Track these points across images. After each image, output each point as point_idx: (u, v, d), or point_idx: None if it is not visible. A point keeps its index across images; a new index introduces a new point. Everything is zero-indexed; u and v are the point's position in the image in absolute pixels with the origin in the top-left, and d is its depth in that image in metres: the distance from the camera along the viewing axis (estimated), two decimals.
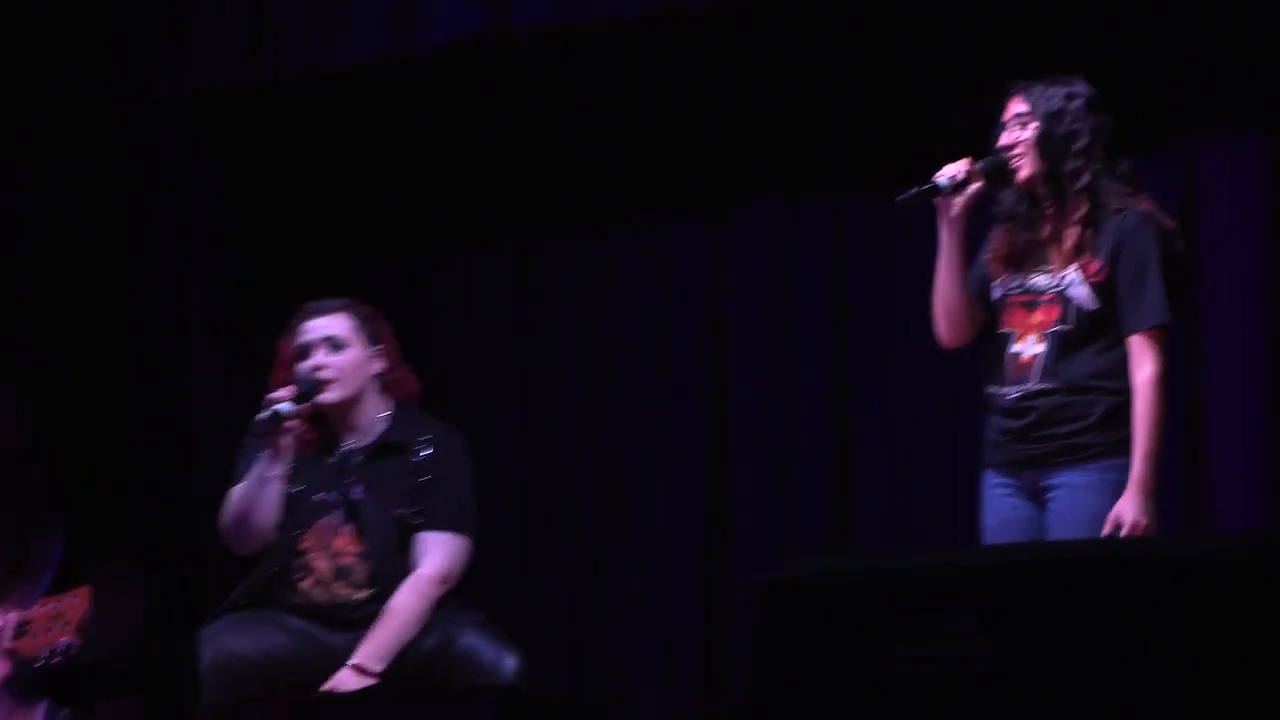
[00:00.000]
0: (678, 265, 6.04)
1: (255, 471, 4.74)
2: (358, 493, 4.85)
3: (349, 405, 4.86)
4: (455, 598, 4.84)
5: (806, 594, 3.17)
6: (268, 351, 4.89)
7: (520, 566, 6.00)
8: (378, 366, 4.89)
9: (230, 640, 4.69)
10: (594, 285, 6.15)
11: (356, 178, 6.20)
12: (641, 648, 5.87)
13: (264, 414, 4.68)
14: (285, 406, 4.69)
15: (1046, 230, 4.57)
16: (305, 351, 4.84)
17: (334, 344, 4.83)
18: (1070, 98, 4.58)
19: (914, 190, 4.52)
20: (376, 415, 4.89)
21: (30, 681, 3.59)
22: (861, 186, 5.73)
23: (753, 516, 5.84)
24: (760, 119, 5.86)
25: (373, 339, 4.89)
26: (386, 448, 4.88)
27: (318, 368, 4.80)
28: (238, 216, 6.16)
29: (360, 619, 4.78)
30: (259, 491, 4.74)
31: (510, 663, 4.67)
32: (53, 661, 3.52)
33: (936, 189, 4.56)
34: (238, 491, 4.79)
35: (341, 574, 4.83)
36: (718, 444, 5.92)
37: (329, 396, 4.81)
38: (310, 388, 4.78)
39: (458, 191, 6.20)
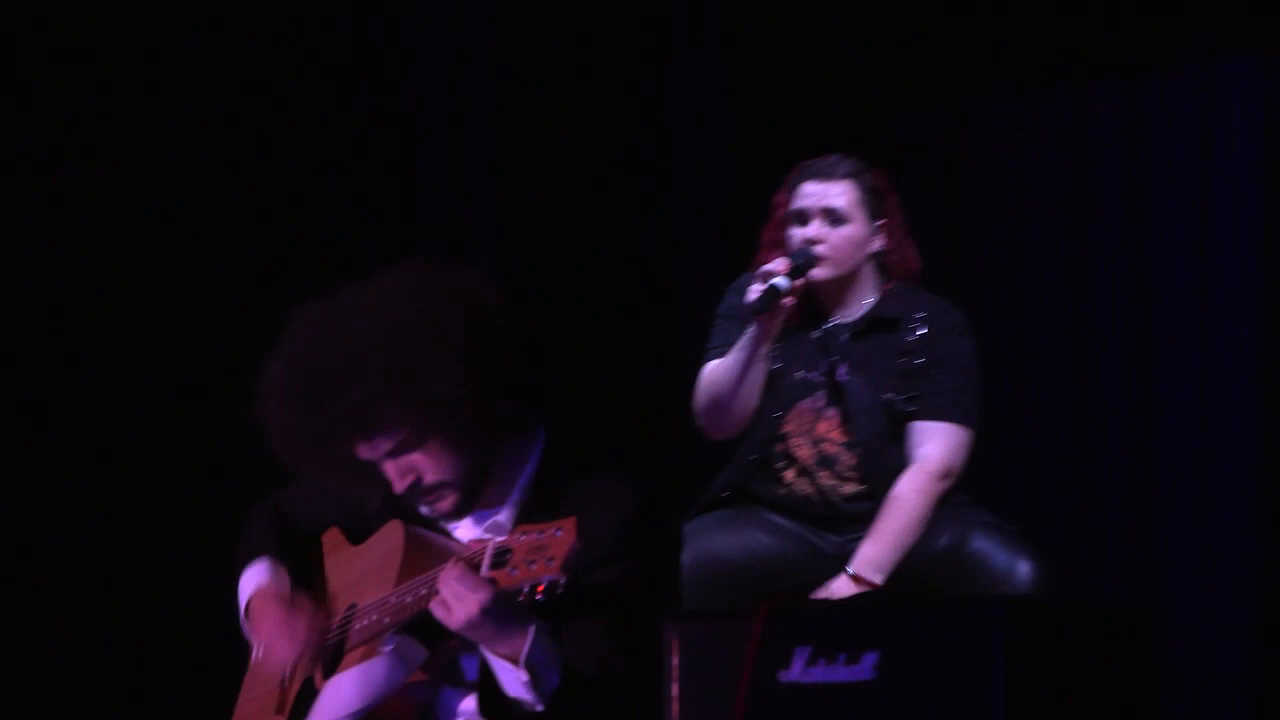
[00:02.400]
0: (1096, 130, 5.48)
1: (739, 350, 4.38)
2: (843, 373, 4.47)
3: (840, 282, 4.47)
4: (959, 493, 4.41)
5: None
6: (752, 228, 4.54)
7: (1038, 463, 5.54)
8: (877, 245, 4.48)
9: (713, 541, 4.38)
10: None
11: (863, 23, 5.75)
12: (1176, 557, 5.38)
13: (758, 290, 4.31)
14: (781, 282, 4.32)
15: None
16: (801, 216, 4.47)
17: (833, 217, 4.44)
18: None
19: None
20: (868, 291, 4.50)
21: (513, 610, 3.31)
22: None
23: None
24: None
25: (875, 214, 4.48)
26: (876, 324, 4.47)
27: (811, 240, 4.44)
28: (720, 71, 5.80)
29: (851, 516, 4.40)
30: (743, 373, 4.38)
31: (1025, 569, 4.26)
32: (535, 598, 3.22)
33: None
34: (716, 371, 4.44)
35: (825, 463, 4.46)
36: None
37: (818, 273, 4.41)
38: (805, 261, 4.38)
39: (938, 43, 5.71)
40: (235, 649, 3.78)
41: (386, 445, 3.46)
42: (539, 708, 3.37)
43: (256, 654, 3.74)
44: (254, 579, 3.72)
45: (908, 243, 4.52)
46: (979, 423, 4.42)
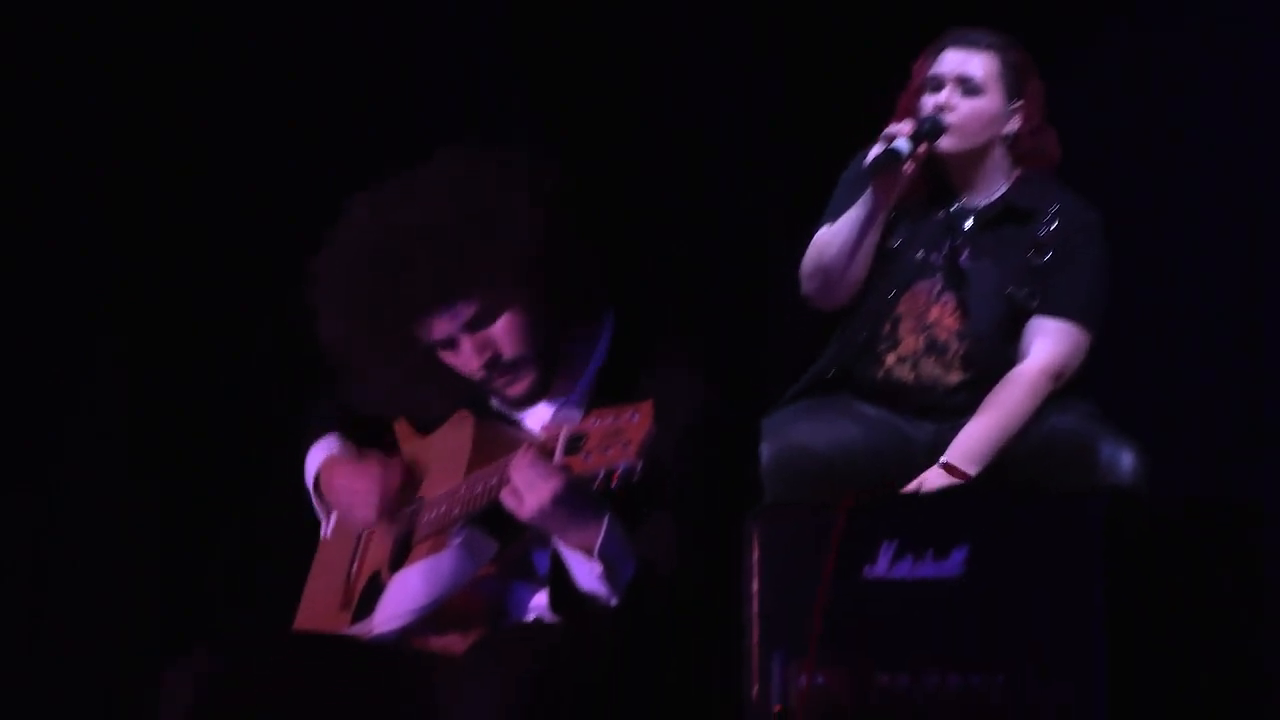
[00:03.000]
0: None
1: (852, 214, 4.21)
2: (965, 259, 4.28)
3: (968, 159, 4.28)
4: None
5: None
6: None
7: (1141, 349, 5.32)
8: (1012, 126, 4.29)
9: (797, 432, 4.21)
10: None
11: None
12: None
13: (877, 150, 4.15)
14: (902, 144, 4.14)
15: None
16: (936, 83, 4.28)
17: (967, 86, 4.25)
18: None
19: None
20: (999, 176, 4.31)
21: (587, 498, 3.16)
22: None
23: None
24: None
25: (1014, 92, 4.28)
26: (1008, 213, 4.28)
27: (942, 108, 4.24)
28: None
29: (950, 407, 4.22)
30: (855, 237, 4.21)
31: (1128, 460, 4.08)
32: (611, 485, 3.06)
33: None
34: (828, 234, 4.27)
35: (933, 349, 4.28)
36: None
37: (945, 145, 4.23)
38: (931, 128, 4.21)
39: None
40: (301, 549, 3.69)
41: (467, 312, 3.30)
42: (613, 602, 3.23)
43: (327, 528, 3.62)
44: (323, 451, 3.60)
45: (1047, 130, 4.33)
46: (1101, 327, 4.24)
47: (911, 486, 4.10)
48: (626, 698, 3.22)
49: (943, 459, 4.13)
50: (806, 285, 4.30)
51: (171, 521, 5.31)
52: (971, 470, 4.10)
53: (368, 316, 3.36)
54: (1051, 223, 4.27)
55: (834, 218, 4.28)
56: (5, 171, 5.22)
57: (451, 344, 3.35)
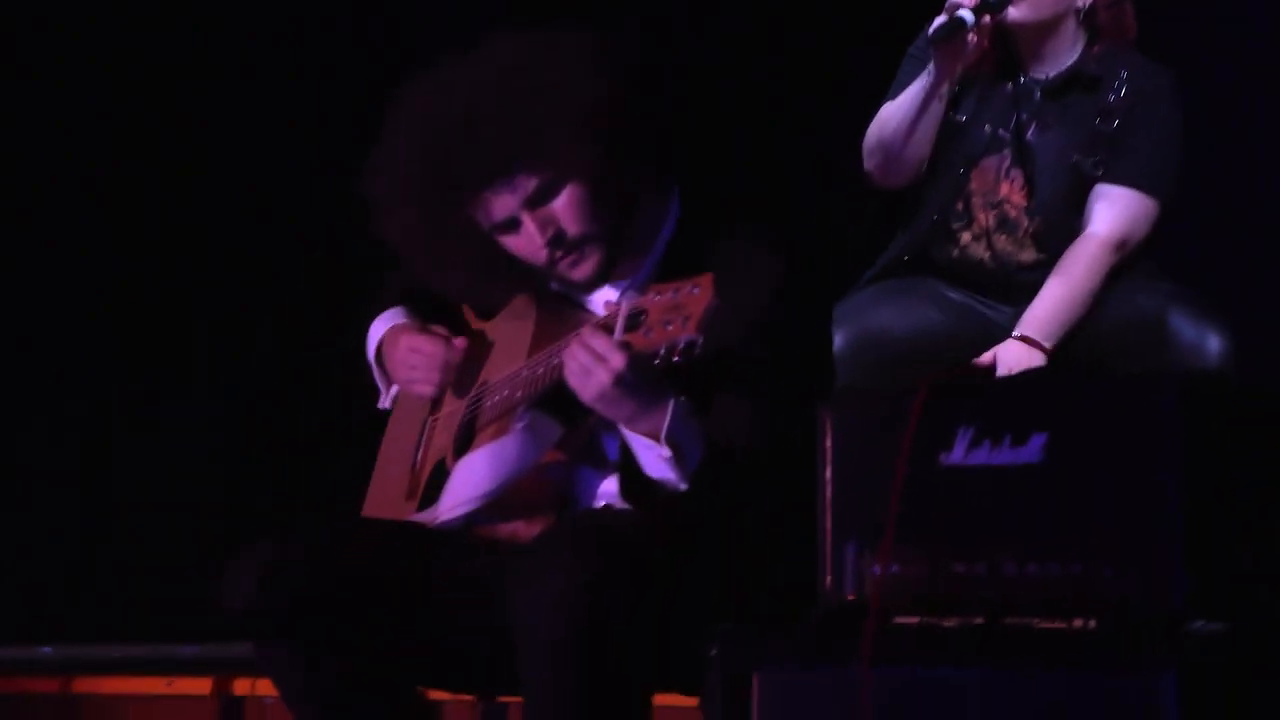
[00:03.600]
0: None
1: (916, 87, 4.10)
2: (1032, 134, 4.17)
3: (1040, 31, 4.15)
4: (1146, 261, 4.13)
5: None
6: None
7: (1228, 226, 5.17)
8: None
9: (875, 315, 4.13)
10: None
11: None
12: None
13: (941, 19, 4.04)
14: (966, 14, 4.03)
15: None
16: None
17: None
18: None
19: None
20: (1071, 49, 4.19)
21: (650, 375, 3.07)
22: None
23: None
24: None
25: None
26: (1075, 81, 4.16)
27: None
28: None
29: (1026, 284, 4.13)
30: (917, 111, 4.10)
31: (1215, 344, 3.98)
32: (672, 360, 2.97)
33: None
34: (890, 109, 4.17)
35: (1004, 226, 4.18)
36: None
37: (1014, 14, 4.11)
38: None
39: None
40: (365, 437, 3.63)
41: (528, 185, 3.19)
42: (682, 486, 3.15)
43: (386, 399, 3.56)
44: (386, 322, 3.52)
45: (1123, 3, 4.20)
46: (1171, 195, 4.11)
47: (987, 356, 4.01)
48: (697, 586, 3.16)
49: (1017, 332, 4.05)
50: (868, 162, 4.20)
51: (238, 413, 5.30)
52: (1048, 344, 4.02)
53: (429, 200, 3.26)
54: (1120, 88, 4.15)
55: (898, 93, 4.17)
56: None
57: (513, 225, 3.25)
